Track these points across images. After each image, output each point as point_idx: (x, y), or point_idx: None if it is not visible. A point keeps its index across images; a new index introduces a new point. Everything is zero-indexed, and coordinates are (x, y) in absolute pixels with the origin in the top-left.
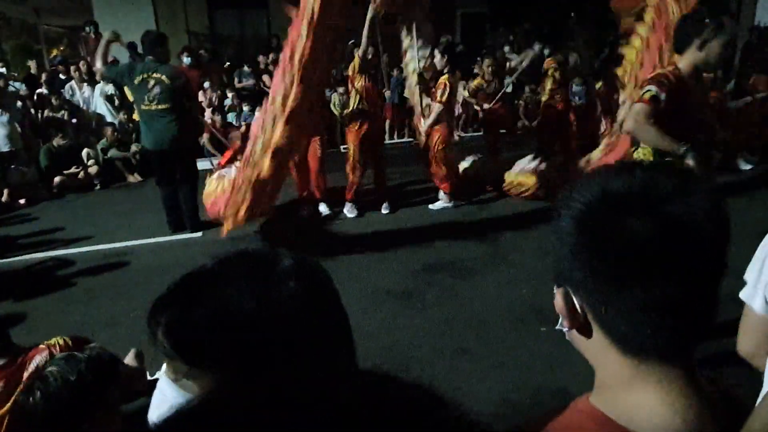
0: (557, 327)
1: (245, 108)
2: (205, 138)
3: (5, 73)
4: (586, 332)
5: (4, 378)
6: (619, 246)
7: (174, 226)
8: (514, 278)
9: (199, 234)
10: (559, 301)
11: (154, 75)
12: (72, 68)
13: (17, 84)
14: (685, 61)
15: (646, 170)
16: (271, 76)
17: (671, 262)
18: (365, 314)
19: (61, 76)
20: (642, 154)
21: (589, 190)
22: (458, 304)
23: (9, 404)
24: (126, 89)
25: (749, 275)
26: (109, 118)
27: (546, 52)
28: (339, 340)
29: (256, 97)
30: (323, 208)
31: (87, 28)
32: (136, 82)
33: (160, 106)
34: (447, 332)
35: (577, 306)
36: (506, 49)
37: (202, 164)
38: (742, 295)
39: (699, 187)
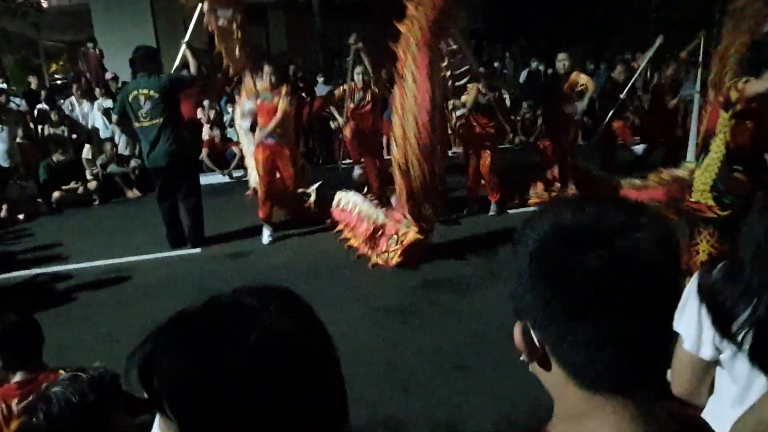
0: (521, 359)
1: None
2: (204, 154)
3: (6, 88)
4: (546, 365)
5: (22, 395)
6: (570, 281)
7: (173, 242)
8: None
9: (198, 250)
10: (517, 335)
11: (143, 91)
12: (74, 86)
13: (17, 99)
14: (761, 85)
15: (596, 204)
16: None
17: (621, 296)
18: (363, 332)
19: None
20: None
21: (542, 225)
22: (456, 320)
23: (15, 424)
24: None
25: (684, 327)
26: (106, 134)
27: (541, 68)
28: (328, 399)
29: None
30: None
31: (87, 44)
32: (130, 99)
33: (153, 121)
34: (445, 349)
35: (536, 340)
36: (496, 64)
37: (203, 179)
38: (687, 346)
39: (648, 220)
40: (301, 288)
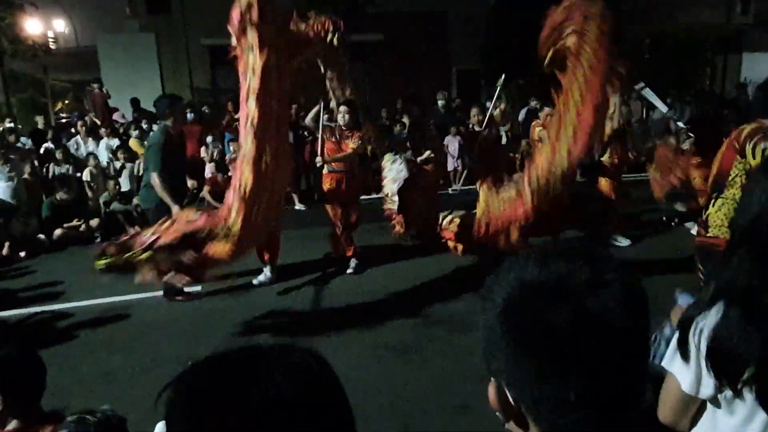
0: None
1: None
2: (206, 191)
3: (14, 127)
4: (523, 425)
5: None
6: (538, 340)
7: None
8: None
9: (199, 287)
10: (492, 394)
11: (145, 142)
12: (79, 123)
13: (23, 138)
14: None
15: (562, 259)
16: None
17: (588, 355)
18: (363, 369)
19: (73, 130)
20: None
21: (508, 281)
22: (457, 358)
23: None
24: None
25: (679, 369)
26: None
27: (539, 106)
28: None
29: None
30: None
31: (93, 84)
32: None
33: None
34: (447, 387)
35: (511, 399)
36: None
37: None
38: (684, 387)
39: (615, 276)
40: (302, 325)
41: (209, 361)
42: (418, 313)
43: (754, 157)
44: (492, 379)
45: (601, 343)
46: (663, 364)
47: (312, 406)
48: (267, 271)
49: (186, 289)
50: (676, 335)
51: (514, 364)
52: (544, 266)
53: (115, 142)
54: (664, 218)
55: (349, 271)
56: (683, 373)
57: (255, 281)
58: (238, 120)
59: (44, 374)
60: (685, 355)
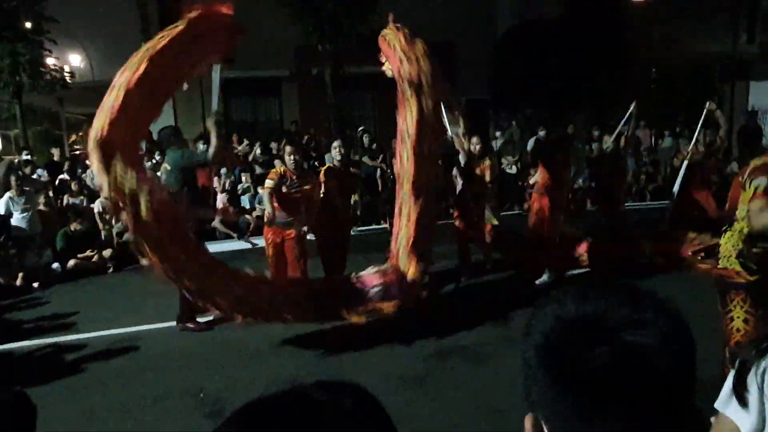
0: None
1: (259, 190)
2: (217, 221)
3: (30, 159)
4: None
5: None
6: (575, 378)
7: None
8: None
9: (210, 317)
10: (528, 427)
11: (164, 165)
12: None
13: (39, 170)
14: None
15: (600, 295)
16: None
17: (626, 394)
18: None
19: (88, 162)
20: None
21: (546, 317)
22: (473, 391)
23: None
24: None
25: (738, 414)
26: None
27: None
28: None
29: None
30: None
31: None
32: (158, 173)
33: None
34: (462, 421)
35: None
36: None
37: (213, 247)
38: (747, 431)
39: (654, 315)
40: (315, 357)
41: (256, 407)
42: (432, 344)
43: (746, 190)
44: (530, 412)
45: (639, 383)
46: (716, 405)
47: None
48: None
49: (198, 319)
50: (731, 378)
51: (551, 400)
52: (582, 302)
53: None
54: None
55: None
56: (742, 417)
57: None
58: (238, 153)
59: (33, 416)
60: (742, 400)
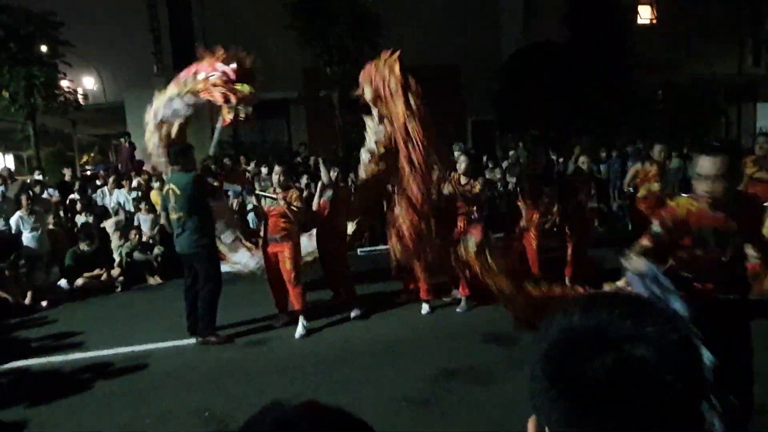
0: None
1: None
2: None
3: (42, 179)
4: None
5: None
6: (576, 387)
7: (191, 329)
8: None
9: (213, 338)
10: (531, 429)
11: (171, 186)
12: (104, 175)
13: (50, 190)
14: None
15: (605, 307)
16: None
17: (624, 406)
18: (382, 422)
19: (98, 182)
20: None
21: (553, 327)
22: (478, 412)
23: None
24: (154, 194)
25: None
26: (135, 222)
27: (554, 157)
28: None
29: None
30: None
31: (122, 138)
32: (164, 192)
33: (176, 215)
34: None
35: None
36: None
37: (224, 267)
38: None
39: (656, 330)
40: (320, 376)
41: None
42: (437, 365)
43: None
44: (535, 415)
45: (638, 396)
46: None
47: None
48: (303, 321)
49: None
50: None
51: (554, 408)
52: (587, 314)
53: (137, 194)
54: None
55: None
56: None
57: (297, 335)
58: (249, 173)
59: None
60: None
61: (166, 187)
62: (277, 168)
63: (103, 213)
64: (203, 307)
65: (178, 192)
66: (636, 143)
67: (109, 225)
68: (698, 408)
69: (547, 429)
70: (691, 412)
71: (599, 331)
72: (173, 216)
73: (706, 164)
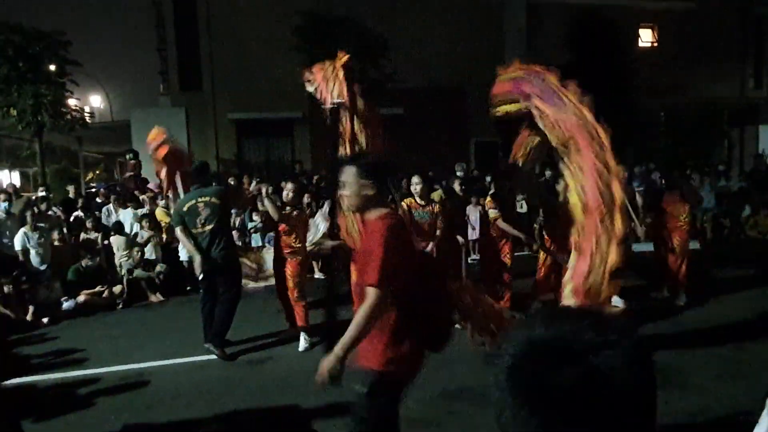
0: None
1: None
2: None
3: (46, 196)
4: None
5: None
6: (544, 398)
7: (208, 339)
8: None
9: (218, 351)
10: None
11: (203, 199)
12: (109, 194)
13: (54, 207)
14: None
15: (568, 319)
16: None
17: (592, 415)
18: None
19: (98, 200)
20: None
21: (517, 340)
22: None
23: None
24: (159, 212)
25: None
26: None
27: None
28: None
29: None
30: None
31: (128, 155)
32: (185, 209)
33: (207, 227)
34: None
35: None
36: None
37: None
38: None
39: (618, 338)
40: (320, 397)
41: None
42: (438, 387)
43: None
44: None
45: (605, 404)
46: None
47: None
48: (305, 336)
49: (204, 357)
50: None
51: (520, 421)
52: (550, 326)
53: (143, 210)
54: None
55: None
56: None
57: (300, 348)
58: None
59: None
60: None
61: (190, 203)
62: (289, 185)
63: (118, 229)
64: (220, 316)
65: (217, 201)
66: (642, 163)
67: (114, 242)
68: (656, 407)
69: None
70: (653, 408)
71: (564, 342)
72: (203, 229)
73: None
